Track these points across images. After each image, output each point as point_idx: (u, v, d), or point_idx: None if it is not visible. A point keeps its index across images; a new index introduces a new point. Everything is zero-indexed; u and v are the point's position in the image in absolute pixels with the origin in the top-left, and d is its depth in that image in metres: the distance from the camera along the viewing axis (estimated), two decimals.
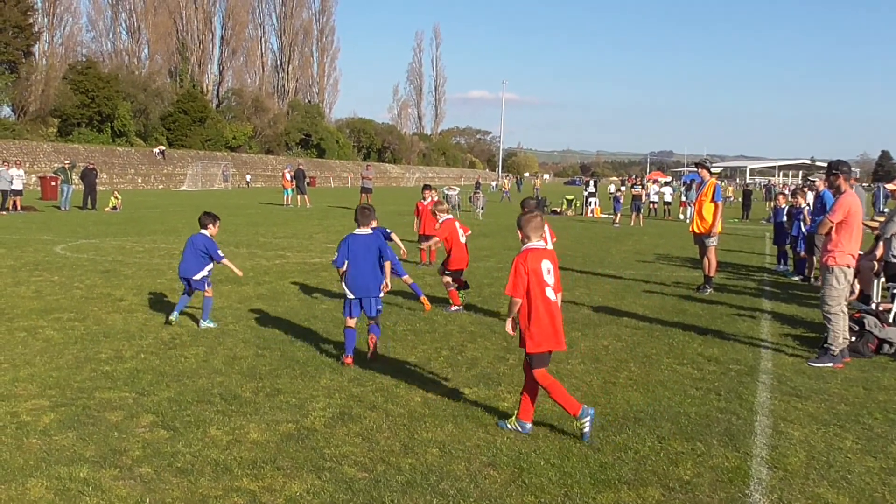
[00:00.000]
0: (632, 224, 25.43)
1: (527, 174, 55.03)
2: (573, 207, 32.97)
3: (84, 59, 57.03)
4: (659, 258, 15.45)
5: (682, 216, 30.02)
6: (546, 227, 7.98)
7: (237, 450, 4.44)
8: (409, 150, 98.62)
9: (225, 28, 77.31)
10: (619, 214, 26.29)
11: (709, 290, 10.77)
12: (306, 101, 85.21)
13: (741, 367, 6.65)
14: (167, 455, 4.34)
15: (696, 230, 10.89)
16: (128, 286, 10.00)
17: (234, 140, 67.07)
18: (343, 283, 6.48)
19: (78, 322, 7.72)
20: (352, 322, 6.46)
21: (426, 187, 13.86)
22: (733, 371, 6.50)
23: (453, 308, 8.84)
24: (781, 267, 13.84)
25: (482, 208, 29.23)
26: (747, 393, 5.84)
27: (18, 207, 23.09)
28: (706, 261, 10.93)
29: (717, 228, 10.82)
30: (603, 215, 30.83)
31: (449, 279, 9.03)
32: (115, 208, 25.11)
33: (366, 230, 6.56)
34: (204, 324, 7.74)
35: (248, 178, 58.40)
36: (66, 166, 26.62)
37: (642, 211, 27.03)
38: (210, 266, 7.83)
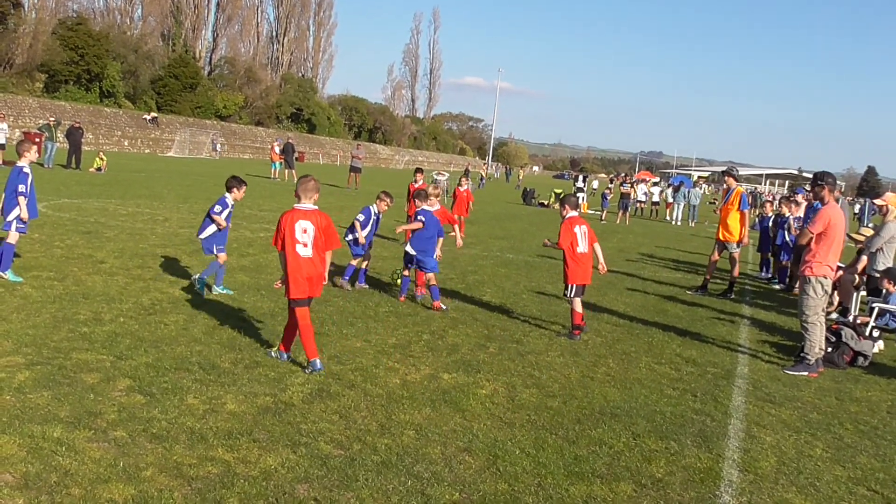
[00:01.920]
0: (618, 222, 25.59)
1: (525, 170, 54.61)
2: None
3: (75, 15, 55.68)
4: (643, 257, 15.55)
5: (668, 217, 30.33)
6: (586, 229, 7.69)
7: (213, 419, 4.42)
8: (401, 132, 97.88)
9: None
10: (605, 211, 26.66)
11: (731, 295, 11.05)
12: (300, 74, 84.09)
13: (718, 370, 6.74)
14: (142, 420, 4.30)
15: (722, 238, 11.06)
16: (109, 248, 9.86)
17: (224, 109, 66.01)
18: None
19: (57, 281, 7.61)
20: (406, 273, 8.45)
21: (418, 170, 13.88)
22: (710, 373, 6.58)
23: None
24: (763, 274, 14.00)
25: None
26: (723, 396, 5.91)
27: (0, 162, 22.62)
28: (712, 263, 11.28)
29: (746, 239, 11.05)
30: (590, 211, 30.98)
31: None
32: (99, 169, 24.69)
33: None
34: (217, 289, 7.88)
35: (217, 146, 53.56)
36: (51, 123, 26.07)
37: (629, 209, 27.24)
38: (212, 227, 7.85)
